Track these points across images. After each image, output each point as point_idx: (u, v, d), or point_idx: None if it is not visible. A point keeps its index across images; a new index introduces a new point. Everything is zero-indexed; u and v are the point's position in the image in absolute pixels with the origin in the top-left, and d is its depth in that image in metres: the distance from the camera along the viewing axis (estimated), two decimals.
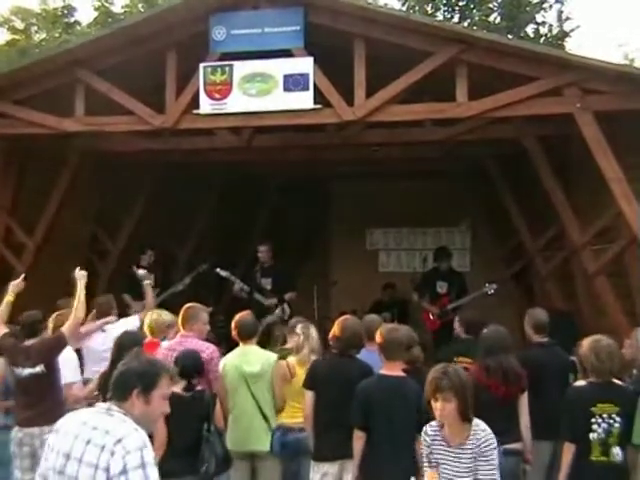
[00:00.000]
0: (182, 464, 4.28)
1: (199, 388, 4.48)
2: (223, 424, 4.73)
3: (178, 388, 4.42)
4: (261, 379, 4.94)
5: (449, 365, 3.65)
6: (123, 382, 2.68)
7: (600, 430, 4.00)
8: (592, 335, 4.30)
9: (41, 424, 4.74)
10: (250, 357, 5.02)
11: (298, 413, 4.88)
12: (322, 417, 4.57)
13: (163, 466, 4.32)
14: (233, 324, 5.17)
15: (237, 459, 4.92)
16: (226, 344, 6.71)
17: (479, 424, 3.58)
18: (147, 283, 6.58)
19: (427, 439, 3.65)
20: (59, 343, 5.02)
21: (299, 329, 5.15)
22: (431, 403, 3.50)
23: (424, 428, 3.69)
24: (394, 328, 4.49)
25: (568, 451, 4.12)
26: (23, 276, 5.65)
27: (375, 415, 4.15)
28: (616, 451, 4.01)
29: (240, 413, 4.91)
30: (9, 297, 5.43)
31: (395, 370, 4.27)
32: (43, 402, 4.85)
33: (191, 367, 4.46)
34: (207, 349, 4.96)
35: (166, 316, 5.51)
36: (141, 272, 6.67)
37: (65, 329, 5.06)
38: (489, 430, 3.57)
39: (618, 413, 4.02)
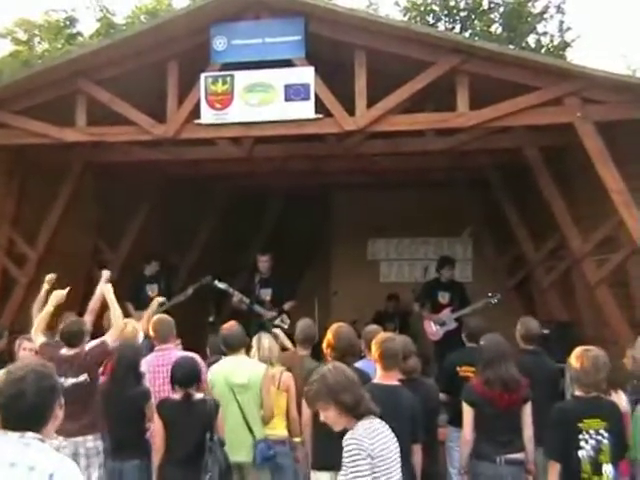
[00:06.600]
0: (184, 472, 4.26)
1: (199, 396, 4.45)
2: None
3: (178, 396, 4.40)
4: (249, 390, 4.87)
5: None
6: (39, 405, 2.24)
7: (588, 447, 3.84)
8: (592, 345, 4.25)
9: (85, 433, 4.79)
10: (238, 368, 4.94)
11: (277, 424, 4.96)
12: (318, 426, 4.54)
13: (163, 474, 4.34)
14: (220, 336, 5.12)
15: None
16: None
17: None
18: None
19: None
20: (104, 352, 5.04)
21: (254, 340, 5.19)
22: None
23: None
24: (390, 337, 4.44)
25: (553, 470, 3.95)
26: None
27: None
28: (609, 469, 3.84)
29: (227, 424, 4.83)
30: (49, 307, 5.38)
31: (391, 379, 4.23)
32: (86, 413, 4.83)
33: (188, 375, 4.45)
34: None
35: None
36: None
37: (108, 337, 5.11)
38: None
39: (606, 429, 3.86)
